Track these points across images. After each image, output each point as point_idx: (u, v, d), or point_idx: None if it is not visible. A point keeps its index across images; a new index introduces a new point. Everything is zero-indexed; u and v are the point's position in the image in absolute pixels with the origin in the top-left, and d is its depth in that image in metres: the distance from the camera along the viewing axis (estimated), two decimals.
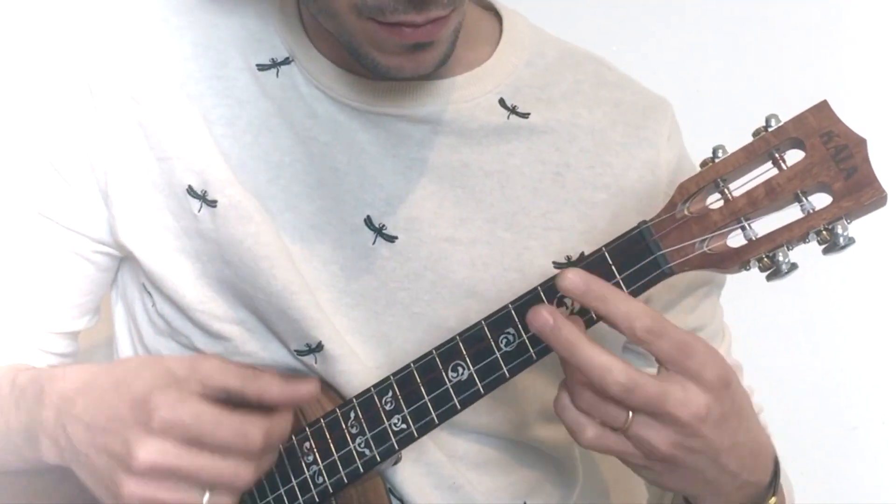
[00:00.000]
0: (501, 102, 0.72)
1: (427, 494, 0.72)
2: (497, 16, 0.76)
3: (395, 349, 0.71)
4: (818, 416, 1.10)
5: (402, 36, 0.60)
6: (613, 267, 0.59)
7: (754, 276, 0.82)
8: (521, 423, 0.75)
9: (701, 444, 0.57)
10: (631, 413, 0.56)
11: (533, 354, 0.61)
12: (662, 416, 0.56)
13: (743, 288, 0.81)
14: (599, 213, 0.71)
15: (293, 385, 0.62)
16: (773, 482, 0.64)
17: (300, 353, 0.71)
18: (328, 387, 0.71)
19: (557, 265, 0.71)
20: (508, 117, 0.71)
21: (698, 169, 0.60)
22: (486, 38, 0.74)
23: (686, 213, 0.58)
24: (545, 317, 0.56)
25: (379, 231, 0.70)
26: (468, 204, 0.71)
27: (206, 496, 0.58)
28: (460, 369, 0.62)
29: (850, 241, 0.55)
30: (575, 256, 0.71)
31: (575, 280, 0.56)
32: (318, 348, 0.70)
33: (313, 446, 0.66)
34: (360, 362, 0.70)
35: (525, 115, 0.72)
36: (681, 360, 0.56)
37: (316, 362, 0.71)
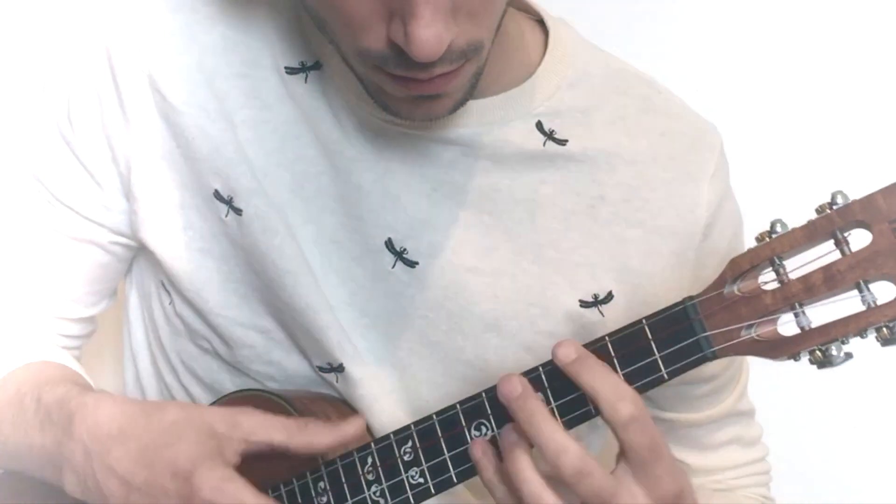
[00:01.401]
0: (539, 126, 0.67)
1: None
2: (543, 26, 0.70)
3: (409, 376, 0.69)
4: (818, 416, 1.09)
5: (408, 88, 0.56)
6: (653, 343, 0.56)
7: None
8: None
9: None
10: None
11: (563, 424, 0.58)
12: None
13: None
14: (632, 251, 0.68)
15: (342, 433, 0.61)
16: None
17: (322, 370, 0.70)
18: (347, 409, 0.70)
19: (584, 304, 0.68)
20: (545, 143, 0.67)
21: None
22: (528, 52, 0.68)
23: (736, 292, 0.55)
24: (515, 384, 0.55)
25: (399, 255, 0.67)
26: (495, 232, 0.67)
27: None
28: (483, 428, 0.59)
29: None
30: (602, 295, 0.68)
31: (567, 351, 0.55)
32: (339, 369, 0.69)
33: (328, 487, 0.64)
34: (379, 385, 0.69)
35: (563, 143, 0.67)
36: (649, 459, 0.54)
37: (337, 381, 0.69)
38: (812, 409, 1.09)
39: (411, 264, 0.67)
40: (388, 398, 0.68)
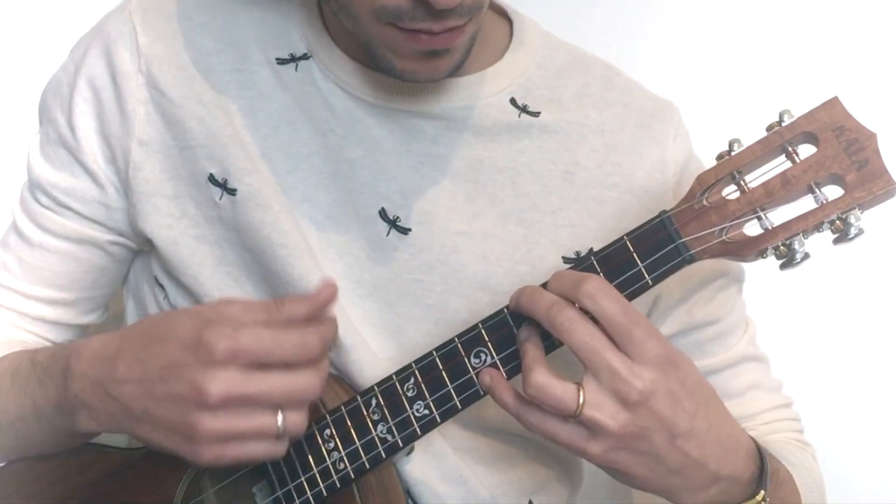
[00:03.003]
0: (513, 101, 0.74)
1: (433, 486, 0.73)
2: (508, 20, 0.78)
3: (407, 340, 0.72)
4: (818, 416, 1.11)
5: (419, 42, 0.62)
6: (635, 255, 0.61)
7: (754, 276, 0.85)
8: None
9: (652, 421, 0.56)
10: (582, 398, 0.56)
11: (556, 340, 0.62)
12: (603, 371, 0.56)
13: (742, 288, 0.84)
14: (608, 210, 0.73)
15: (314, 298, 0.61)
16: (761, 479, 0.62)
17: None
18: (344, 379, 0.72)
19: (567, 260, 0.73)
20: (520, 115, 0.73)
21: (705, 167, 0.62)
22: (497, 40, 0.76)
23: (705, 203, 0.61)
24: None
25: (393, 223, 0.72)
26: (480, 199, 0.73)
27: (280, 417, 0.58)
28: (483, 356, 0.63)
29: (860, 231, 0.58)
30: (584, 252, 0.73)
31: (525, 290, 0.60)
32: None
33: (334, 433, 0.66)
34: (371, 353, 0.71)
35: (536, 114, 0.74)
36: (625, 323, 0.56)
37: (330, 350, 0.71)
38: (812, 408, 1.12)
39: (404, 231, 0.72)
40: (383, 363, 0.71)
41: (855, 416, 1.10)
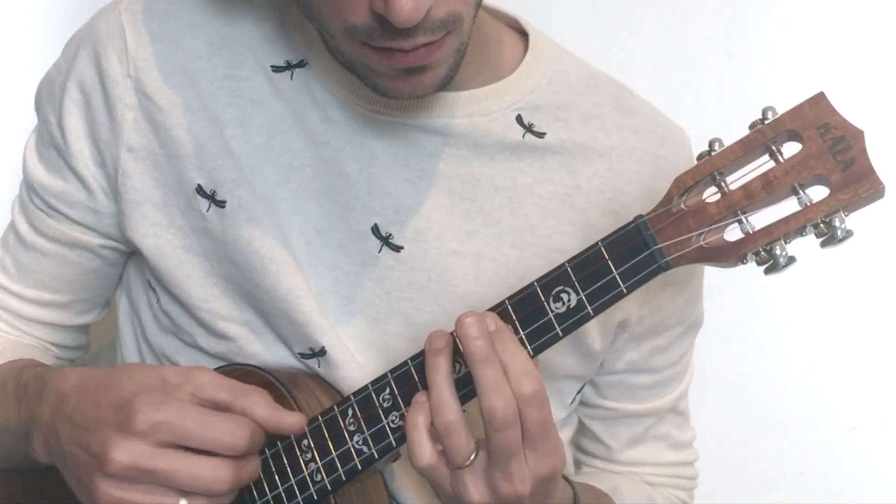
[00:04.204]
0: (519, 119, 0.71)
1: (422, 495, 0.72)
2: (522, 34, 0.75)
3: (395, 358, 0.70)
4: (818, 416, 1.09)
5: (393, 60, 0.60)
6: (610, 262, 0.59)
7: (754, 275, 0.82)
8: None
9: None
10: (473, 455, 0.58)
11: (530, 350, 0.60)
12: (502, 463, 0.58)
13: (742, 287, 0.81)
14: None
15: (279, 414, 0.62)
16: None
17: (304, 356, 0.71)
18: (329, 386, 0.71)
19: None
20: (524, 135, 0.71)
21: None
22: (509, 55, 0.74)
23: (682, 206, 0.58)
24: (437, 339, 0.60)
25: (385, 240, 0.70)
26: (476, 218, 0.71)
27: (183, 502, 0.57)
28: (457, 366, 0.61)
29: (848, 233, 0.55)
30: None
31: (489, 323, 0.59)
32: (321, 353, 0.70)
33: (311, 444, 0.65)
34: (361, 369, 0.70)
35: (541, 135, 0.71)
36: (540, 435, 0.58)
37: (319, 366, 0.71)
38: (812, 408, 1.09)
39: (396, 248, 0.70)
40: (371, 379, 0.70)
41: (854, 417, 1.08)
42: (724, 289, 0.83)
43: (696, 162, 0.75)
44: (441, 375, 0.59)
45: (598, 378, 0.78)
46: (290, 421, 0.62)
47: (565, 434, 0.79)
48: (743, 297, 1.02)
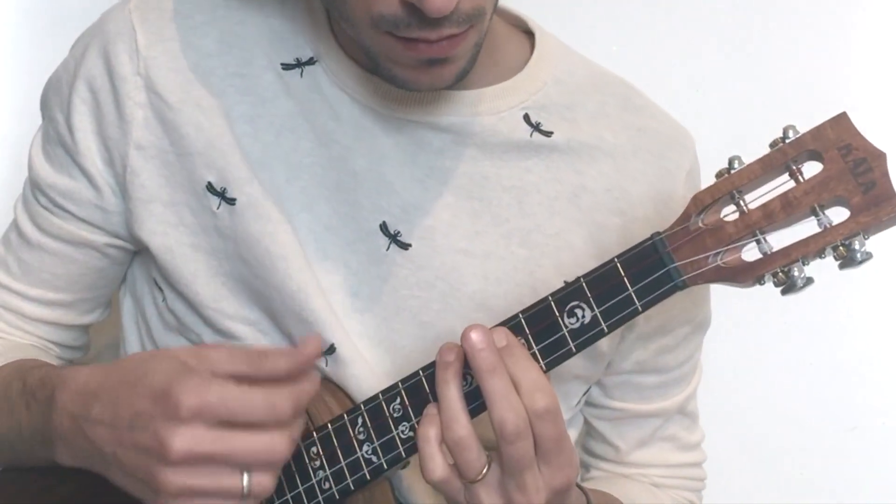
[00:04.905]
0: (526, 119, 0.71)
1: (432, 497, 0.72)
2: (528, 34, 0.75)
3: (402, 357, 0.71)
4: (818, 416, 1.10)
5: (417, 51, 0.60)
6: (626, 279, 0.58)
7: None
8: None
9: None
10: (486, 468, 0.58)
11: (543, 366, 0.60)
12: (517, 476, 0.58)
13: (742, 289, 0.81)
14: (612, 237, 0.71)
15: (299, 353, 0.60)
16: None
17: None
18: (337, 388, 0.71)
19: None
20: (532, 134, 0.71)
21: None
22: (515, 54, 0.73)
23: (700, 225, 0.58)
24: (447, 353, 0.59)
25: (394, 237, 0.70)
26: (484, 217, 0.71)
27: (246, 477, 0.57)
28: (469, 378, 0.61)
29: (868, 256, 0.55)
30: None
31: (499, 338, 0.59)
32: (329, 351, 0.70)
33: (320, 452, 0.65)
34: (369, 367, 0.70)
35: (548, 134, 0.71)
36: (554, 449, 0.58)
37: (326, 364, 0.70)
38: (812, 408, 1.10)
39: (405, 246, 0.70)
40: (380, 378, 0.70)
41: (854, 417, 1.09)
42: (724, 290, 0.82)
43: (699, 164, 0.75)
44: (451, 389, 0.59)
45: (606, 378, 0.79)
46: (311, 349, 0.60)
47: (570, 435, 0.79)
48: (743, 299, 1.02)
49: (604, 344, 0.73)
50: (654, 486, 0.81)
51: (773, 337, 1.10)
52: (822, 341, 1.09)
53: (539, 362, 0.60)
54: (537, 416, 0.57)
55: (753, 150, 0.58)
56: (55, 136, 0.74)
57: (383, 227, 0.70)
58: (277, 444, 0.57)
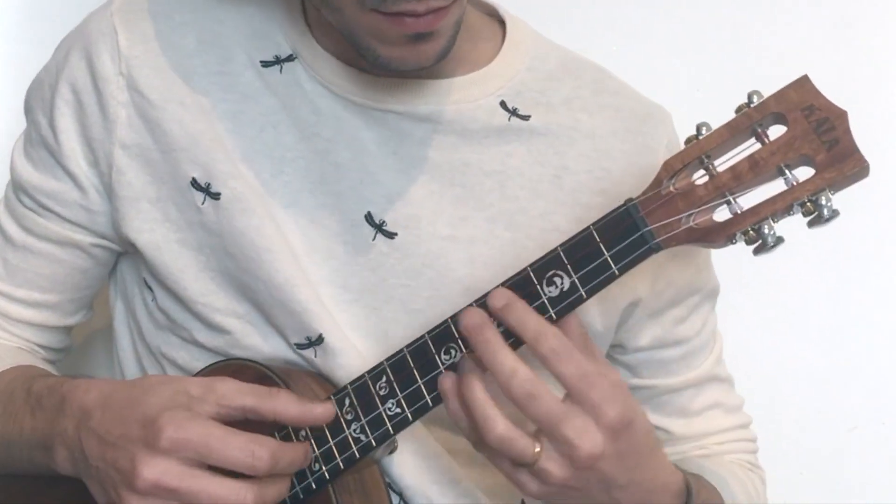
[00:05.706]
0: (503, 104, 0.73)
1: (425, 487, 0.72)
2: (500, 22, 0.77)
3: (394, 346, 0.71)
4: (818, 416, 1.09)
5: (403, 26, 0.61)
6: (601, 244, 0.60)
7: (753, 276, 0.82)
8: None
9: (595, 479, 0.58)
10: (538, 447, 0.57)
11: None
12: (559, 440, 0.57)
13: (742, 286, 0.82)
14: (596, 216, 0.72)
15: (309, 407, 0.63)
16: None
17: (300, 346, 0.71)
18: (325, 380, 0.71)
19: None
20: (509, 119, 0.73)
21: None
22: (488, 41, 0.75)
23: (672, 189, 0.59)
24: (474, 315, 0.59)
25: (379, 227, 0.71)
26: (468, 203, 0.72)
27: None
28: (453, 352, 0.62)
29: (835, 213, 0.56)
30: None
31: (500, 297, 0.60)
32: (318, 341, 0.71)
33: (309, 434, 0.66)
34: (359, 356, 0.71)
35: (526, 118, 0.73)
36: (583, 388, 0.57)
37: (315, 356, 0.71)
38: (812, 408, 1.10)
39: (390, 235, 0.71)
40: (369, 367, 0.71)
41: (854, 417, 1.09)
42: (724, 289, 0.83)
43: (679, 138, 0.77)
44: (500, 345, 0.58)
45: (628, 358, 0.79)
46: (322, 411, 0.63)
47: None
48: (742, 298, 1.03)
49: (597, 324, 0.74)
50: (736, 464, 0.80)
51: (772, 337, 1.10)
52: (822, 341, 1.09)
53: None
54: (546, 358, 0.57)
55: (723, 120, 0.60)
56: (38, 139, 0.76)
57: (368, 218, 0.71)
58: (243, 495, 0.59)
